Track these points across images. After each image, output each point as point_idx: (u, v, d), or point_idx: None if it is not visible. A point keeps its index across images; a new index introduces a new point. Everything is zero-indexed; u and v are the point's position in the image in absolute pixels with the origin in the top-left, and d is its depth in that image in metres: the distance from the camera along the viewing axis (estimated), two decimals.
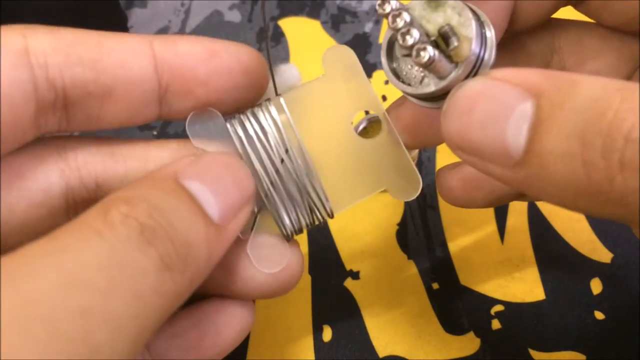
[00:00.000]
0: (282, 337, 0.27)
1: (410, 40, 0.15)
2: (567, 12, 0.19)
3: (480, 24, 0.16)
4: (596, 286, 0.28)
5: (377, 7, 0.15)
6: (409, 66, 0.17)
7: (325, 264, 0.29)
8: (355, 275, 0.29)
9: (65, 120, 0.18)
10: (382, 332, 0.27)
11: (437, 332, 0.27)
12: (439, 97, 0.16)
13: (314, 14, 0.42)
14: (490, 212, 0.30)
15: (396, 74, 0.17)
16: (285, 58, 0.39)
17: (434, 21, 0.16)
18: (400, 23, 0.15)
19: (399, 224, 0.30)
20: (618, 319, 0.27)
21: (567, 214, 0.30)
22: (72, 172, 0.18)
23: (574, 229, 0.30)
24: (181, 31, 0.41)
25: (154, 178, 0.16)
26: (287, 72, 0.21)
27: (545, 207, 0.30)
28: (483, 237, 0.30)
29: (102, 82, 0.17)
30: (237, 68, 0.18)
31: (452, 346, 0.26)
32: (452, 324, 0.27)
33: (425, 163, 0.33)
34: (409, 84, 0.17)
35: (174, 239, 0.14)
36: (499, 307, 0.27)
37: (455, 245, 0.29)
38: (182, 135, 0.34)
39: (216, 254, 0.16)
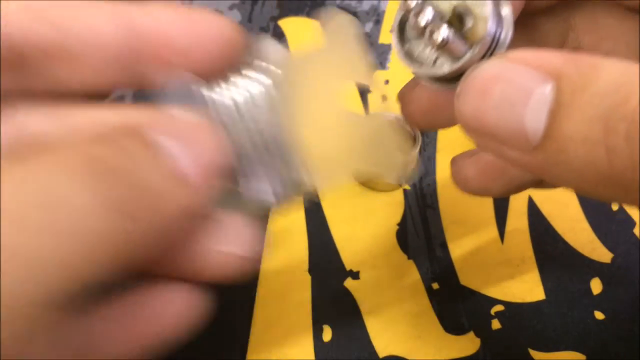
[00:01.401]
0: (282, 337, 0.27)
1: (423, 21, 0.14)
2: None
3: (497, 2, 0.15)
4: (596, 286, 0.28)
5: None
6: (422, 47, 0.16)
7: (325, 264, 0.29)
8: (355, 275, 0.29)
9: (22, 80, 0.16)
10: (382, 332, 0.27)
11: (437, 332, 0.27)
12: (452, 79, 0.16)
13: (314, 14, 0.42)
14: (490, 212, 0.30)
15: (409, 56, 0.16)
16: None
17: (449, 0, 0.15)
18: (412, 3, 0.15)
19: (399, 224, 0.30)
20: (618, 319, 0.27)
21: (567, 214, 0.30)
22: (11, 130, 0.17)
23: (574, 229, 0.30)
24: None
25: (115, 129, 0.14)
26: (271, 46, 0.19)
27: (545, 207, 0.30)
28: (483, 237, 0.30)
29: (65, 44, 0.16)
30: (219, 39, 0.17)
31: (452, 346, 0.26)
32: (452, 324, 0.27)
33: (425, 163, 0.33)
34: (423, 65, 0.16)
35: (132, 183, 0.13)
36: (499, 307, 0.27)
37: (455, 245, 0.29)
38: None
39: (187, 217, 0.15)
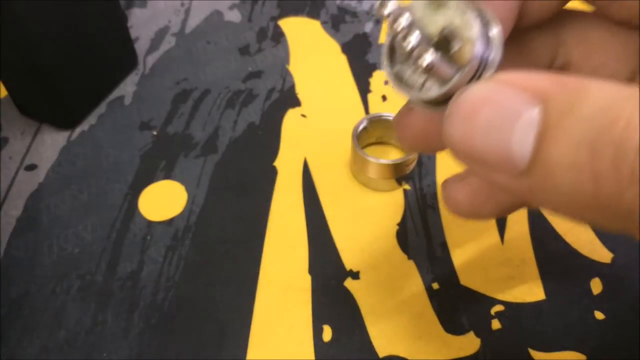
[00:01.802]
0: (282, 337, 0.27)
1: (409, 44, 0.14)
2: (572, 3, 0.19)
3: (485, 24, 0.15)
4: (596, 286, 0.28)
5: (376, 9, 0.14)
6: (411, 70, 0.16)
7: (325, 264, 0.29)
8: (355, 275, 0.29)
9: None
10: (382, 332, 0.27)
11: (437, 332, 0.27)
12: (443, 102, 0.16)
13: (314, 13, 0.42)
14: None
15: (398, 78, 0.16)
16: (285, 58, 0.39)
17: (436, 22, 0.15)
18: (399, 26, 0.14)
19: (399, 224, 0.30)
20: (618, 319, 0.27)
21: None
22: None
23: (574, 229, 0.30)
24: (181, 31, 0.41)
25: None
26: None
27: None
28: (483, 237, 0.30)
29: None
30: None
31: (452, 346, 0.26)
32: (452, 324, 0.27)
33: (425, 163, 0.33)
34: (411, 88, 0.16)
35: None
36: (499, 307, 0.27)
37: (455, 245, 0.29)
38: (182, 135, 0.34)
39: None
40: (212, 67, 0.38)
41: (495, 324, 0.27)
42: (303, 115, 0.35)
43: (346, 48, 0.39)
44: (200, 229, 0.30)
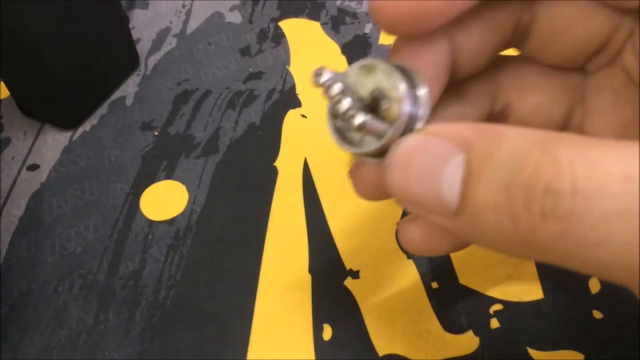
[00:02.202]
0: (283, 336, 0.27)
1: (342, 109, 0.15)
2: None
3: (412, 83, 0.16)
4: (594, 285, 0.28)
5: (312, 79, 0.16)
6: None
7: (325, 263, 0.29)
8: (355, 275, 0.29)
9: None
10: (381, 331, 0.27)
11: (437, 331, 0.27)
12: (383, 154, 0.17)
13: (314, 15, 0.42)
14: None
15: (341, 134, 0.18)
16: (285, 59, 0.39)
17: (367, 86, 0.16)
18: (332, 93, 0.15)
19: (398, 224, 0.30)
20: (616, 318, 0.27)
21: None
22: None
23: None
24: (182, 32, 0.41)
25: None
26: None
27: None
28: None
29: None
30: None
31: (451, 345, 0.26)
32: (451, 323, 0.27)
33: None
34: (352, 144, 0.17)
35: None
36: (497, 306, 0.27)
37: None
38: (183, 135, 0.35)
39: None
40: (213, 67, 0.39)
41: (494, 323, 0.27)
42: (303, 116, 0.36)
43: (346, 49, 0.39)
44: (201, 229, 0.31)
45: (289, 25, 0.41)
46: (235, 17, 0.42)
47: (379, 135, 0.16)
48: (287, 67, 0.38)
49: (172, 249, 0.30)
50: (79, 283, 0.29)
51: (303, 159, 0.33)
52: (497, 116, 0.20)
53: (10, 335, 0.27)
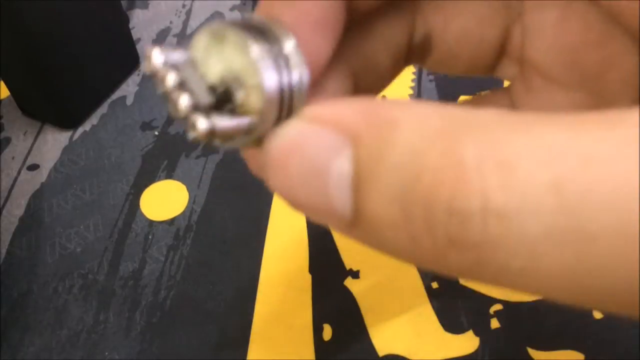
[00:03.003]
0: (283, 336, 0.27)
1: (178, 112, 0.11)
2: None
3: (278, 46, 0.12)
4: None
5: (145, 64, 0.12)
6: None
7: (325, 263, 0.29)
8: (355, 275, 0.29)
9: None
10: (381, 331, 0.27)
11: (437, 331, 0.27)
12: (261, 141, 0.12)
13: None
14: None
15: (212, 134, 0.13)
16: None
17: (216, 67, 0.12)
18: (166, 88, 0.11)
19: None
20: (616, 318, 0.27)
21: None
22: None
23: None
24: (182, 32, 0.41)
25: None
26: None
27: None
28: None
29: None
30: None
31: (451, 345, 0.26)
32: (452, 323, 0.27)
33: None
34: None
35: None
36: (497, 306, 0.27)
37: None
38: (183, 135, 0.35)
39: None
40: None
41: (494, 323, 0.27)
42: None
43: None
44: (201, 229, 0.31)
45: None
46: (235, 17, 0.42)
47: (245, 131, 0.12)
48: None
49: (172, 249, 0.30)
50: (79, 283, 0.29)
51: None
52: (418, 49, 0.16)
53: (10, 335, 0.27)
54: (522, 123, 0.09)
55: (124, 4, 0.41)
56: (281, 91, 0.11)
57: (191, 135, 0.11)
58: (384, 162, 0.10)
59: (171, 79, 0.11)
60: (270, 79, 0.11)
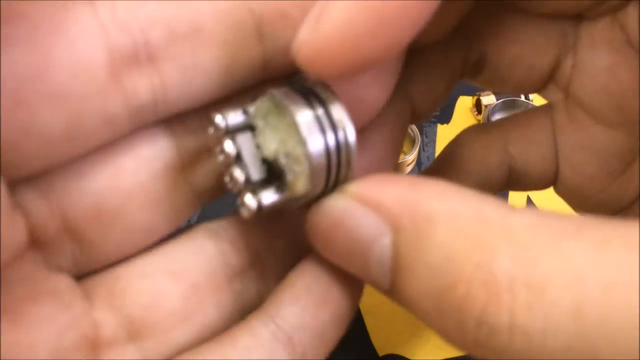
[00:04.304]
0: None
1: (234, 187, 0.12)
2: None
3: (333, 125, 0.11)
4: None
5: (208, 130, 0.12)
6: None
7: None
8: None
9: None
10: (381, 330, 0.27)
11: None
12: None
13: None
14: None
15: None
16: None
17: (271, 143, 0.12)
18: (225, 156, 0.11)
19: None
20: None
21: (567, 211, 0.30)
22: None
23: None
24: None
25: None
26: None
27: (544, 204, 0.30)
28: None
29: None
30: None
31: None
32: None
33: (424, 163, 0.33)
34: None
35: None
36: None
37: None
38: None
39: None
40: None
41: None
42: None
43: None
44: None
45: None
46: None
47: (290, 203, 0.12)
48: None
49: None
50: None
51: None
52: (471, 68, 0.17)
53: None
54: (553, 237, 0.10)
55: None
56: (328, 174, 0.12)
57: (243, 212, 0.12)
58: (421, 259, 0.11)
59: (230, 150, 0.11)
60: (318, 167, 0.11)
